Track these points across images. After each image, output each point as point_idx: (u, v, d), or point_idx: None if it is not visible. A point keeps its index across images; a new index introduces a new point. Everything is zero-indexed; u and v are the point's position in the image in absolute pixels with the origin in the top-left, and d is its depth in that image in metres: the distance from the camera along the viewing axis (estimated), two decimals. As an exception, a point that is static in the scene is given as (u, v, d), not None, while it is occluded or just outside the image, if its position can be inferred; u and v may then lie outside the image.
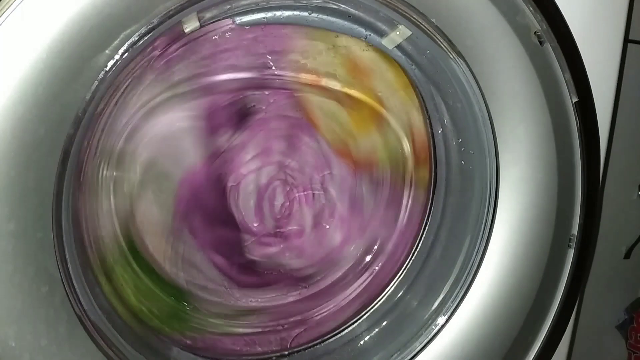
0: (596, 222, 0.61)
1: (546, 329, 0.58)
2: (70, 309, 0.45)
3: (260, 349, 0.62)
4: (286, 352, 0.62)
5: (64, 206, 0.44)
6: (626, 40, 0.65)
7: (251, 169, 0.61)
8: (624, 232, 1.09)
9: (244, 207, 0.61)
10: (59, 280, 0.44)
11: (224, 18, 0.52)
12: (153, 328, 0.57)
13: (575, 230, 0.58)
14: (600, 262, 1.04)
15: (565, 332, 0.60)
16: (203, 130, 0.57)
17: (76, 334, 0.45)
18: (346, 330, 0.65)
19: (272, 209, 0.62)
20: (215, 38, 0.53)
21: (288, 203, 0.63)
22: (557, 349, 0.60)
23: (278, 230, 0.63)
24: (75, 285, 0.46)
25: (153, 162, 0.55)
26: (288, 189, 0.63)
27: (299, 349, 0.63)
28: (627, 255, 1.10)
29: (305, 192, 0.63)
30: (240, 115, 0.59)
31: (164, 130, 0.55)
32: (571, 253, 0.58)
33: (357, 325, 0.65)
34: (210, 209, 0.60)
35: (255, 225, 0.62)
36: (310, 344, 0.64)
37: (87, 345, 0.46)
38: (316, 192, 0.64)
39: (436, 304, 0.60)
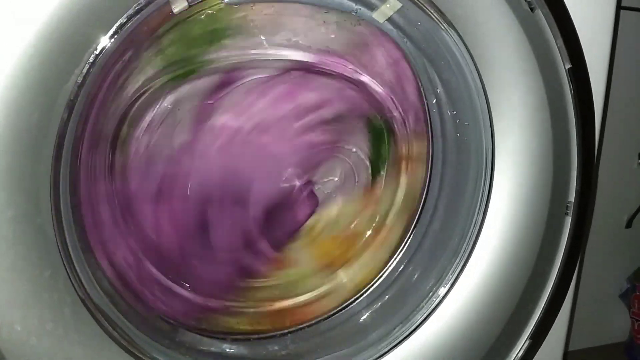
0: (592, 189, 0.61)
1: (546, 297, 0.59)
2: (74, 292, 0.45)
3: (263, 327, 0.62)
4: (286, 331, 0.63)
5: (62, 191, 0.45)
6: (619, 7, 0.65)
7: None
8: (625, 202, 1.09)
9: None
10: (61, 264, 0.44)
11: (212, -4, 0.52)
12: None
13: (571, 197, 0.58)
14: (602, 231, 1.04)
15: (566, 301, 0.61)
16: (197, 113, 0.57)
17: (81, 317, 0.46)
18: (348, 307, 0.66)
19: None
20: (204, 18, 0.52)
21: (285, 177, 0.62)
22: (558, 317, 0.60)
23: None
24: (78, 269, 0.46)
25: (149, 145, 0.55)
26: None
27: (302, 325, 0.64)
28: (629, 225, 1.10)
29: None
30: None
31: (158, 113, 0.55)
32: (568, 220, 0.59)
33: (358, 303, 0.66)
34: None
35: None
36: (313, 321, 0.64)
37: (92, 328, 0.46)
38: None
39: (437, 275, 0.60)
